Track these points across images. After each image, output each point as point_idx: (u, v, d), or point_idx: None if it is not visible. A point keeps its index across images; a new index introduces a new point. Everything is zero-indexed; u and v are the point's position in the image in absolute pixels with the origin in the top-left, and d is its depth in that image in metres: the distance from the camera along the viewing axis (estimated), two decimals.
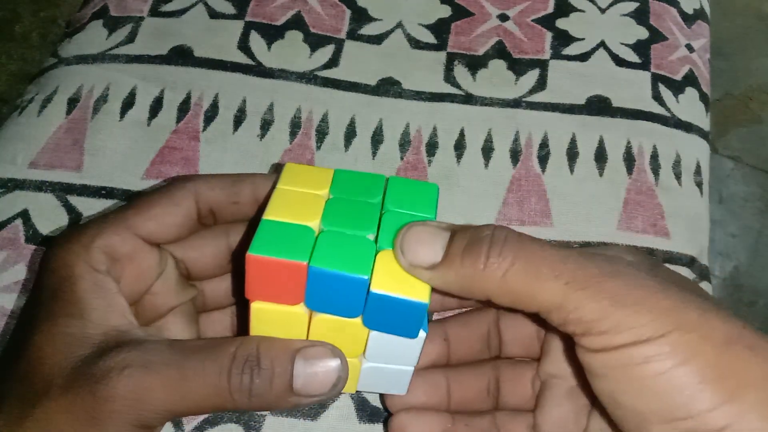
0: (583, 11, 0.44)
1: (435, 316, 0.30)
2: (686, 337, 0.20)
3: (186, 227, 0.25)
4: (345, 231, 0.22)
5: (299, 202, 0.23)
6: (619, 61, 0.42)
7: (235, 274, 0.28)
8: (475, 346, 0.28)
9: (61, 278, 0.23)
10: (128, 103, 0.39)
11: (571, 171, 0.38)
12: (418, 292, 0.22)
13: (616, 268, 0.21)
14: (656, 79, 0.42)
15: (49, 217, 0.35)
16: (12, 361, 0.23)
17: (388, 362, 0.24)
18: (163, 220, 0.25)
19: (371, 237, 0.23)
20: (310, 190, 0.24)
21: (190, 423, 0.30)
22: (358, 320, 0.23)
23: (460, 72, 0.41)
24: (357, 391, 0.25)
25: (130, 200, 0.25)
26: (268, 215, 0.23)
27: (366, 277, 0.21)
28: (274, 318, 0.22)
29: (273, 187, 0.24)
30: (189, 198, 0.25)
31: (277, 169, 0.25)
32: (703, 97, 0.42)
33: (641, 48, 0.43)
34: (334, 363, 0.22)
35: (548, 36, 0.43)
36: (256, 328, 0.23)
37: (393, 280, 0.22)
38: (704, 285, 0.35)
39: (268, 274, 0.21)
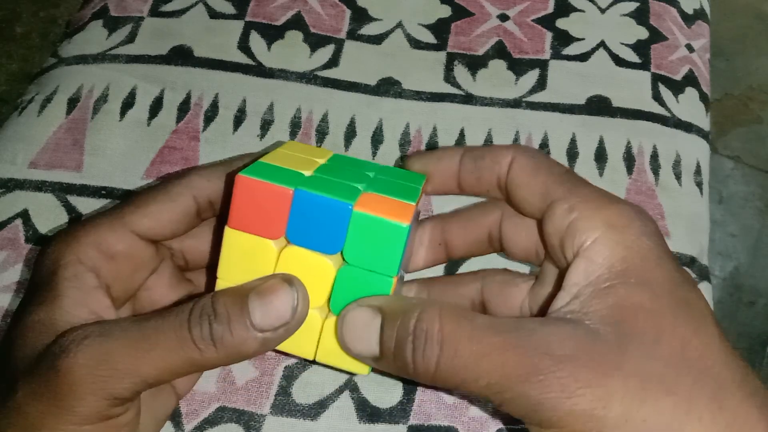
0: (583, 11, 0.44)
1: (435, 211, 0.30)
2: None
3: (184, 223, 0.25)
4: (335, 179, 0.23)
5: (296, 160, 0.24)
6: (619, 61, 0.42)
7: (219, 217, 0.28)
8: (473, 247, 0.28)
9: (49, 270, 0.23)
10: (128, 103, 0.39)
11: None
12: (400, 215, 0.22)
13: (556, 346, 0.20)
14: (656, 79, 0.42)
15: (49, 217, 0.35)
16: None
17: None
18: (160, 217, 0.25)
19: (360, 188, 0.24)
20: (308, 156, 0.25)
21: (191, 422, 0.30)
22: (328, 261, 0.23)
23: (460, 72, 0.41)
24: (314, 361, 0.25)
25: (127, 198, 0.25)
26: (265, 160, 0.23)
27: (350, 204, 0.22)
28: (244, 249, 0.22)
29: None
30: (186, 194, 0.25)
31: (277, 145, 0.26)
32: (703, 97, 0.42)
33: (641, 48, 0.43)
34: (287, 288, 0.22)
35: (548, 36, 0.43)
36: (225, 259, 0.23)
37: (376, 206, 0.22)
38: (704, 285, 0.36)
39: (254, 198, 0.22)
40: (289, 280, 0.22)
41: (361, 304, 0.22)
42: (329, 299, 0.23)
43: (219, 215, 0.27)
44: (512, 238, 0.27)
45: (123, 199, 0.25)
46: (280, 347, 0.23)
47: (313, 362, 0.24)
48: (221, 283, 0.23)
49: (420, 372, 0.21)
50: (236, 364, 0.31)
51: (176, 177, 0.26)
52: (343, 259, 0.23)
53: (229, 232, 0.22)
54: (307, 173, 0.23)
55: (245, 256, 0.23)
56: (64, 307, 0.22)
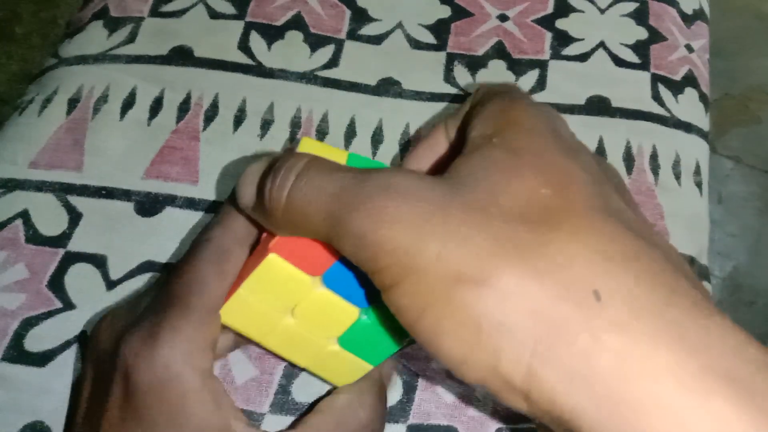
0: (582, 12, 0.44)
1: None
2: None
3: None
4: None
5: None
6: (619, 62, 0.42)
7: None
8: None
9: (168, 384, 0.22)
10: (128, 103, 0.39)
11: None
12: None
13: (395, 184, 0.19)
14: (656, 79, 0.42)
15: (50, 217, 0.35)
16: None
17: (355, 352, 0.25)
18: (226, 287, 0.24)
19: None
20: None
21: None
22: (354, 310, 0.23)
23: (460, 72, 0.41)
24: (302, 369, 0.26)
25: (171, 284, 0.24)
26: None
27: None
28: (278, 275, 0.22)
29: None
30: (241, 249, 0.24)
31: (292, 143, 0.26)
32: (703, 98, 0.42)
33: (641, 48, 0.43)
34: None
35: (548, 36, 0.43)
36: (255, 279, 0.22)
37: None
38: (704, 285, 0.36)
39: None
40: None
41: (261, 158, 0.22)
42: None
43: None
44: None
45: (175, 278, 0.24)
46: (279, 352, 0.24)
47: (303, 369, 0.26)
48: (241, 293, 0.23)
49: (274, 204, 0.20)
50: (235, 363, 0.31)
51: (220, 227, 0.24)
52: (367, 313, 0.23)
53: (271, 257, 0.22)
54: None
55: (277, 281, 0.22)
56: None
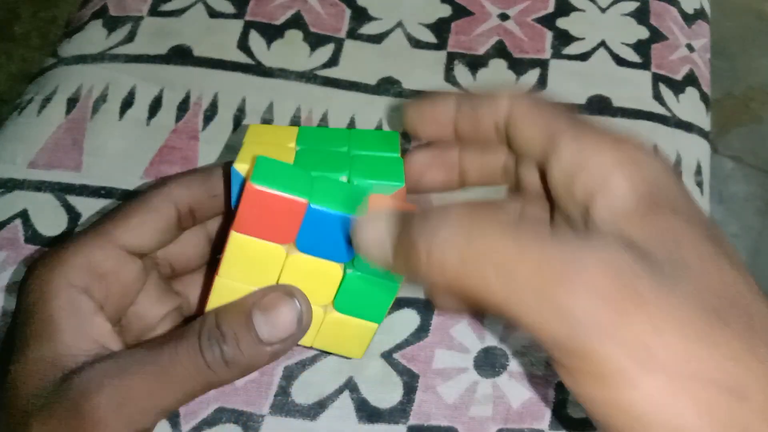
0: (583, 11, 0.44)
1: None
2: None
3: (167, 233, 0.25)
4: (321, 173, 0.23)
5: (276, 149, 0.24)
6: (620, 61, 0.42)
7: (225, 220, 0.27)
8: (487, 176, 0.26)
9: (36, 297, 0.22)
10: (127, 103, 0.39)
11: None
12: None
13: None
14: (657, 78, 0.41)
15: (49, 217, 0.35)
16: None
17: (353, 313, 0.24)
18: (144, 230, 0.24)
19: (343, 179, 0.24)
20: (281, 142, 0.25)
21: (188, 423, 0.30)
22: (336, 266, 0.23)
23: (461, 71, 0.41)
24: (311, 347, 0.25)
25: (107, 213, 0.25)
26: (238, 163, 0.23)
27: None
28: (249, 251, 0.22)
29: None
30: (166, 202, 0.24)
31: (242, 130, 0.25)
32: (704, 97, 0.42)
33: (642, 48, 0.43)
34: (290, 302, 0.22)
35: (549, 35, 0.43)
36: (228, 260, 0.22)
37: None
38: None
39: (265, 206, 0.21)
40: (290, 292, 0.22)
41: (380, 215, 0.20)
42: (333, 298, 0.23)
43: (225, 211, 0.27)
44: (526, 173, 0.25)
45: (102, 216, 0.25)
46: None
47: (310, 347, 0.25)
48: (220, 281, 0.23)
49: (436, 279, 0.18)
50: None
51: (155, 188, 0.25)
52: (352, 266, 0.23)
53: (235, 236, 0.22)
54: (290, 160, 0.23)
55: (250, 258, 0.22)
56: (65, 341, 0.22)
